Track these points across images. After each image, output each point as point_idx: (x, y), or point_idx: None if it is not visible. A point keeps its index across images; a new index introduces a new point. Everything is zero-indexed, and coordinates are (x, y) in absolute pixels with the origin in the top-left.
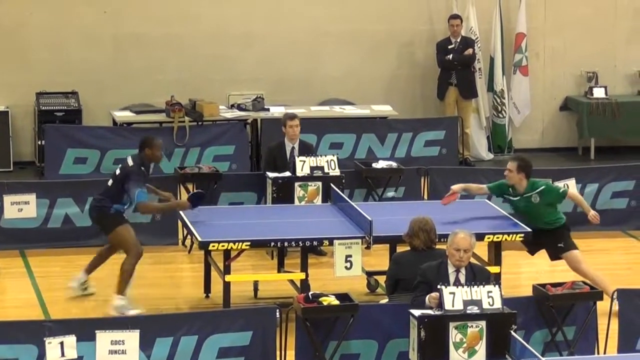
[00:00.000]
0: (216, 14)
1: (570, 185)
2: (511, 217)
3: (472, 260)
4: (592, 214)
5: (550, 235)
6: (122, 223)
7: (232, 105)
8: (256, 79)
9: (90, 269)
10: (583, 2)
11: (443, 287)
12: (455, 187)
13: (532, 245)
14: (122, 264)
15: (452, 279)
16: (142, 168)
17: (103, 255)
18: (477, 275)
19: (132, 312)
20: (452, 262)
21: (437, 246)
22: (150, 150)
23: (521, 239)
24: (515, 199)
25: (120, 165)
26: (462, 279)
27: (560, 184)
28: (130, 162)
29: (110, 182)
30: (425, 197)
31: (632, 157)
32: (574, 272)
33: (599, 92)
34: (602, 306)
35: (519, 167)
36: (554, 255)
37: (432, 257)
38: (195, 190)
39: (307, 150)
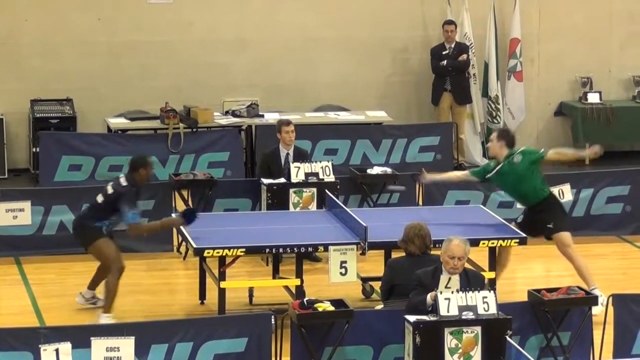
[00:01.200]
0: (209, 20)
1: (565, 191)
2: (506, 223)
3: (467, 265)
4: (590, 150)
5: (539, 213)
6: (102, 236)
7: (227, 112)
8: (250, 85)
9: (93, 284)
10: (577, 8)
11: (439, 292)
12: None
13: (528, 229)
14: (106, 282)
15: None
16: (134, 189)
17: (103, 270)
18: (472, 281)
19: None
20: (447, 269)
21: (432, 252)
22: (144, 170)
23: (516, 243)
24: (498, 167)
25: (111, 183)
26: (457, 284)
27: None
28: (123, 181)
29: (100, 198)
30: (420, 202)
31: (626, 162)
32: (561, 253)
33: (593, 98)
34: (598, 311)
35: (499, 136)
36: (547, 237)
37: (427, 262)
38: (186, 208)
39: (301, 156)
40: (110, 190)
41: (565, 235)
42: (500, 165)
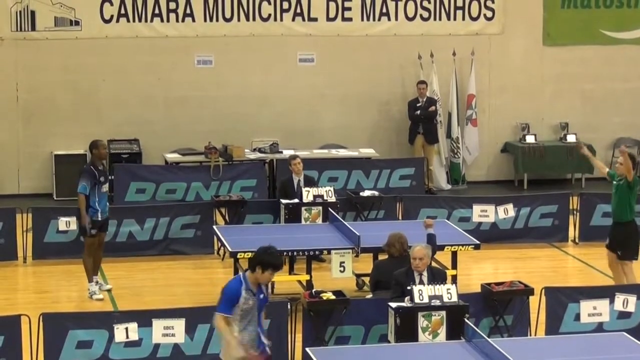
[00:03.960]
0: (241, 80)
1: (509, 209)
2: (465, 233)
3: (433, 264)
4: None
5: (619, 231)
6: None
7: (255, 149)
8: (272, 129)
9: (95, 272)
10: (518, 71)
11: (414, 286)
12: (588, 153)
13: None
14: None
15: (417, 280)
16: (92, 167)
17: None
18: (436, 276)
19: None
20: (413, 267)
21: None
22: (96, 150)
23: (472, 248)
24: (615, 183)
25: None
26: (425, 279)
27: None
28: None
29: None
30: (400, 217)
31: (555, 188)
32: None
33: (530, 139)
34: (534, 300)
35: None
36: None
37: (404, 262)
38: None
39: (310, 181)
40: None
41: (630, 266)
42: (619, 182)
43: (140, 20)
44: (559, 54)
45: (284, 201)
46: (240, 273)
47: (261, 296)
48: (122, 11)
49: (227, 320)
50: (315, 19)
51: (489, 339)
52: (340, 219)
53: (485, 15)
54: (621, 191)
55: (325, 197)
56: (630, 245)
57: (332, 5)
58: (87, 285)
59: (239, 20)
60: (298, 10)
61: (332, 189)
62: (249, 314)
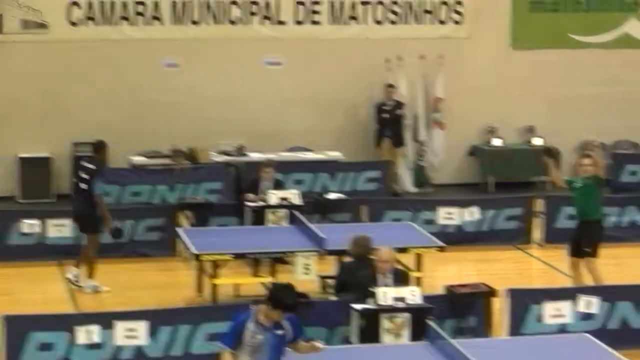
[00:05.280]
0: (209, 83)
1: (474, 211)
2: (430, 235)
3: (398, 266)
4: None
5: (587, 229)
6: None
7: (221, 152)
8: (239, 131)
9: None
10: (484, 74)
11: (378, 288)
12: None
13: (574, 246)
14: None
15: (381, 282)
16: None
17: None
18: (401, 278)
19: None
20: (378, 269)
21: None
22: (105, 151)
23: (437, 250)
24: (579, 185)
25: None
26: (390, 281)
27: None
28: (91, 165)
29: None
30: (366, 220)
31: (521, 190)
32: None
33: (497, 142)
34: (498, 302)
35: (595, 161)
36: (579, 253)
37: (368, 264)
38: (116, 227)
39: (278, 184)
40: (86, 176)
41: (594, 262)
42: (582, 184)
43: (108, 23)
44: (526, 57)
45: (249, 204)
46: (254, 306)
47: (279, 332)
48: (90, 14)
49: (228, 352)
50: (284, 23)
51: (452, 341)
52: (306, 221)
53: (453, 19)
54: (590, 190)
55: (291, 200)
56: (599, 243)
57: (301, 8)
58: (92, 282)
59: (207, 23)
60: (266, 14)
61: (298, 191)
62: (258, 351)
